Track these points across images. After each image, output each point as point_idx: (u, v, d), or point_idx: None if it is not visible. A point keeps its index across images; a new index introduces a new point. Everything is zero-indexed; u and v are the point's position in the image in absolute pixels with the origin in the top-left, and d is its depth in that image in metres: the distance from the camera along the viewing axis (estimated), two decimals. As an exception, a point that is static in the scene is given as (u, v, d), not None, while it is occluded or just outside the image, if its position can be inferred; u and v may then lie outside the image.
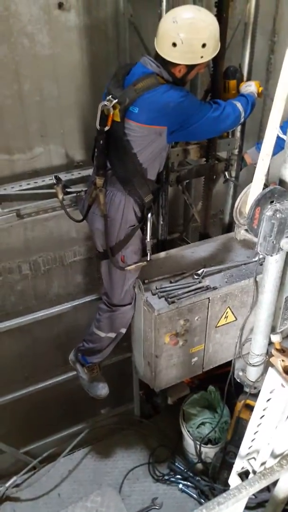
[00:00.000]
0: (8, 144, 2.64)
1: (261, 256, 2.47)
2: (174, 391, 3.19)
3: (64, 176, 2.70)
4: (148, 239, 2.43)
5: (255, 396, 2.08)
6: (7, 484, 3.23)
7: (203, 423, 3.29)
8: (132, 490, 3.30)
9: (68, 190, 2.59)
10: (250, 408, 2.53)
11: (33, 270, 3.12)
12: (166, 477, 3.35)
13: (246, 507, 1.58)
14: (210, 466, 3.18)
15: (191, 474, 3.29)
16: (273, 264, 1.89)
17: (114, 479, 3.36)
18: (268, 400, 1.55)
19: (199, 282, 2.52)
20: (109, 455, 3.52)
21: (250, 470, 1.78)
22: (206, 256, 2.78)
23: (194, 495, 3.24)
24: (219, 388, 3.34)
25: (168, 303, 2.39)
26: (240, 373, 2.51)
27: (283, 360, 1.89)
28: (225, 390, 2.72)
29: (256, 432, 1.67)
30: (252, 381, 2.42)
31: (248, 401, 2.58)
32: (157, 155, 2.25)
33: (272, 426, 1.61)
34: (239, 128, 2.79)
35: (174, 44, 2.03)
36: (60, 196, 2.48)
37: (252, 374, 2.40)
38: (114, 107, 2.11)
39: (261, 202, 1.67)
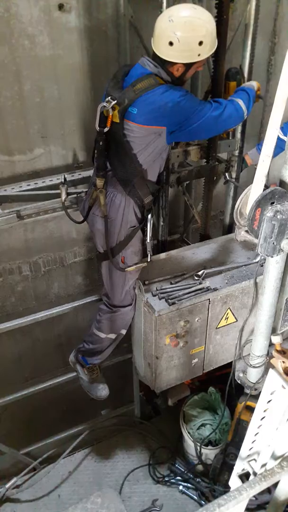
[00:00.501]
0: (8, 145, 2.64)
1: (261, 257, 2.48)
2: (174, 392, 3.19)
3: (64, 177, 2.71)
4: (148, 240, 2.43)
5: (255, 397, 2.08)
6: (7, 485, 3.22)
7: (203, 425, 3.28)
8: (132, 492, 3.29)
9: (68, 191, 2.59)
10: (250, 410, 2.53)
11: (33, 271, 3.12)
12: (167, 479, 3.34)
13: (247, 509, 1.57)
14: (210, 468, 3.17)
15: (191, 475, 3.29)
16: (273, 265, 1.88)
17: (114, 480, 3.35)
18: (269, 401, 1.55)
19: (200, 283, 2.52)
20: (109, 456, 3.52)
21: (251, 472, 1.78)
22: (207, 257, 2.78)
23: (195, 497, 3.23)
24: (219, 389, 3.33)
25: (169, 304, 2.39)
26: (241, 375, 2.50)
27: (283, 362, 1.89)
28: (226, 391, 2.72)
29: (257, 433, 1.66)
30: (252, 383, 2.42)
31: (249, 403, 2.57)
32: (157, 156, 2.25)
33: (273, 428, 1.61)
34: (239, 129, 2.79)
35: (171, 43, 2.03)
36: (63, 196, 2.48)
37: (252, 375, 2.40)
38: (113, 108, 2.11)
39: (261, 203, 1.67)
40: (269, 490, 2.07)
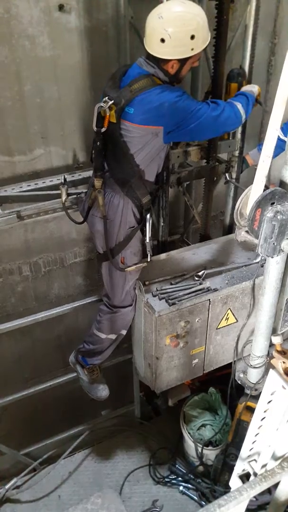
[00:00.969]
0: (8, 146, 2.64)
1: (262, 258, 2.48)
2: (174, 392, 3.19)
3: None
4: (148, 240, 2.43)
5: (256, 398, 2.07)
6: (7, 486, 3.22)
7: (203, 425, 3.28)
8: (132, 492, 3.29)
9: (69, 192, 2.59)
10: (251, 410, 2.53)
11: (33, 271, 3.12)
12: (167, 479, 3.34)
13: (247, 510, 1.57)
14: (211, 468, 3.17)
15: (191, 476, 3.29)
16: (273, 266, 1.88)
17: (115, 481, 3.35)
18: (269, 402, 1.55)
19: (200, 284, 2.52)
20: (109, 457, 3.52)
21: (251, 472, 1.78)
22: (207, 258, 2.78)
23: (195, 497, 3.23)
24: (220, 390, 3.33)
25: (169, 304, 2.39)
26: (241, 375, 2.50)
27: (284, 362, 1.89)
28: (228, 392, 2.72)
29: (257, 434, 1.66)
30: (253, 383, 2.42)
31: (249, 403, 2.57)
32: (154, 156, 2.24)
33: (273, 428, 1.61)
34: (239, 129, 2.79)
35: (163, 40, 2.02)
36: (64, 197, 2.48)
37: (253, 376, 2.39)
38: (110, 108, 2.11)
39: (261, 203, 1.67)
40: (270, 491, 2.07)
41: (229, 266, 2.67)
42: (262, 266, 2.43)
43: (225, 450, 3.02)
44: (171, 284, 2.54)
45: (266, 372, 2.32)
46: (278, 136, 1.71)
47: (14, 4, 2.31)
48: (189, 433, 3.22)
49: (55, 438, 3.53)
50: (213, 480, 3.17)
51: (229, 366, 2.76)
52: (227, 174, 2.93)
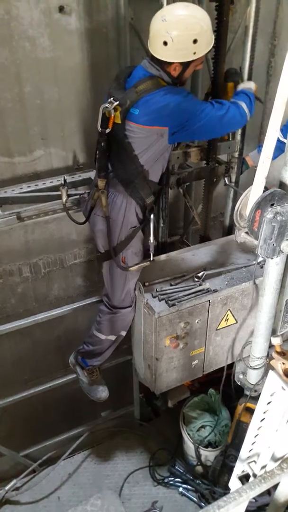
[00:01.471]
0: (9, 147, 2.65)
1: (261, 259, 2.48)
2: (174, 394, 3.19)
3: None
4: (152, 240, 2.44)
5: (255, 399, 2.07)
6: (7, 487, 3.22)
7: (203, 426, 3.28)
8: (132, 494, 3.29)
9: (69, 193, 2.59)
10: (250, 411, 2.53)
11: (33, 272, 3.12)
12: (166, 480, 3.34)
13: (247, 511, 1.57)
14: (210, 469, 3.17)
15: (191, 477, 3.28)
16: (273, 267, 1.88)
17: (114, 482, 3.35)
18: (269, 403, 1.55)
19: (200, 285, 2.52)
20: (109, 458, 3.51)
21: (251, 474, 1.77)
22: (207, 259, 2.78)
23: (194, 499, 3.22)
24: (219, 391, 3.33)
25: (169, 305, 2.39)
26: (241, 376, 2.50)
27: (283, 363, 1.89)
28: (231, 394, 2.71)
29: (257, 435, 1.66)
30: (252, 384, 2.41)
31: (249, 404, 2.57)
32: (158, 156, 2.25)
33: (273, 429, 1.61)
34: (239, 131, 2.79)
35: (165, 43, 2.03)
36: (64, 198, 2.48)
37: (252, 377, 2.39)
38: (115, 109, 2.12)
39: (261, 204, 1.67)
40: (269, 492, 2.07)
41: (229, 267, 2.67)
42: (261, 267, 2.43)
43: (224, 451, 3.01)
44: (171, 285, 2.54)
45: (265, 373, 2.32)
46: (278, 138, 1.71)
47: (14, 6, 2.32)
48: (188, 434, 3.22)
49: (54, 439, 3.53)
50: (213, 481, 3.16)
51: (229, 367, 2.76)
52: (226, 178, 2.93)
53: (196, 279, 2.56)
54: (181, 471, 3.35)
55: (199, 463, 3.21)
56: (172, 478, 3.34)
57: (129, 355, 3.09)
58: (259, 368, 2.31)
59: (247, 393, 2.53)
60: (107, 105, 2.11)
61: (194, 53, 2.08)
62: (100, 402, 2.98)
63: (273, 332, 2.17)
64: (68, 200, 2.54)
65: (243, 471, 1.80)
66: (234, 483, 1.83)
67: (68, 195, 2.52)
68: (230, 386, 2.64)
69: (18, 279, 3.10)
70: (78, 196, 2.64)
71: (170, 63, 2.11)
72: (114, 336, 2.72)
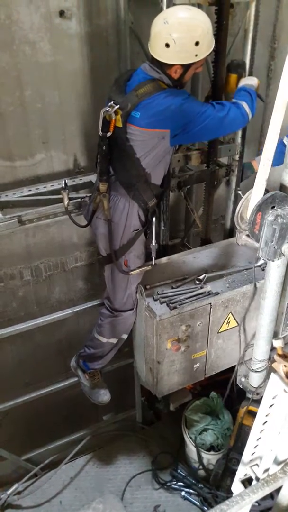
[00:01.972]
0: (10, 151, 2.65)
1: (262, 262, 2.48)
2: (176, 397, 3.18)
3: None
4: (154, 243, 2.43)
5: (257, 402, 2.07)
6: (9, 492, 3.21)
7: (205, 430, 3.27)
8: (134, 498, 3.27)
9: (70, 196, 2.60)
10: (252, 415, 2.52)
11: (34, 276, 3.12)
12: (168, 484, 3.32)
13: (249, 515, 1.57)
14: (212, 473, 3.16)
15: (193, 481, 3.27)
16: (274, 270, 1.88)
17: (116, 486, 3.33)
18: (271, 406, 1.54)
19: (201, 288, 2.52)
20: (111, 462, 3.50)
21: (253, 477, 1.77)
22: (208, 262, 2.78)
23: (197, 503, 3.21)
24: (221, 394, 3.32)
25: (170, 308, 2.39)
26: (243, 379, 2.49)
27: (285, 366, 1.88)
28: (233, 397, 2.71)
29: (259, 438, 1.66)
30: (254, 387, 2.41)
31: (251, 407, 2.56)
32: (160, 159, 2.26)
33: (275, 433, 1.60)
34: (240, 134, 2.80)
35: (167, 45, 2.04)
36: (66, 201, 2.48)
37: (254, 380, 2.38)
38: (116, 112, 2.12)
39: (262, 207, 1.67)
40: (272, 496, 2.06)
41: (230, 270, 2.67)
42: (263, 269, 2.43)
43: (227, 455, 3.00)
44: (172, 288, 2.54)
45: (267, 376, 2.31)
46: (283, 143, 1.70)
47: (15, 10, 2.33)
48: (190, 437, 3.21)
49: (56, 443, 3.52)
50: (215, 485, 3.15)
51: (231, 370, 2.75)
52: (239, 192, 2.90)
53: (198, 282, 2.56)
54: (184, 474, 3.34)
55: (201, 467, 3.19)
56: (175, 482, 3.33)
57: (131, 358, 3.09)
58: (261, 371, 2.30)
59: (249, 396, 2.53)
60: (107, 108, 2.12)
61: (196, 55, 2.09)
62: (102, 406, 2.98)
63: (275, 335, 2.17)
64: (70, 203, 2.55)
65: (245, 475, 1.80)
66: (236, 486, 1.82)
67: (70, 198, 2.52)
68: (232, 389, 2.63)
69: (19, 283, 3.10)
70: (79, 200, 2.64)
71: (171, 66, 2.11)
72: (116, 339, 2.72)
